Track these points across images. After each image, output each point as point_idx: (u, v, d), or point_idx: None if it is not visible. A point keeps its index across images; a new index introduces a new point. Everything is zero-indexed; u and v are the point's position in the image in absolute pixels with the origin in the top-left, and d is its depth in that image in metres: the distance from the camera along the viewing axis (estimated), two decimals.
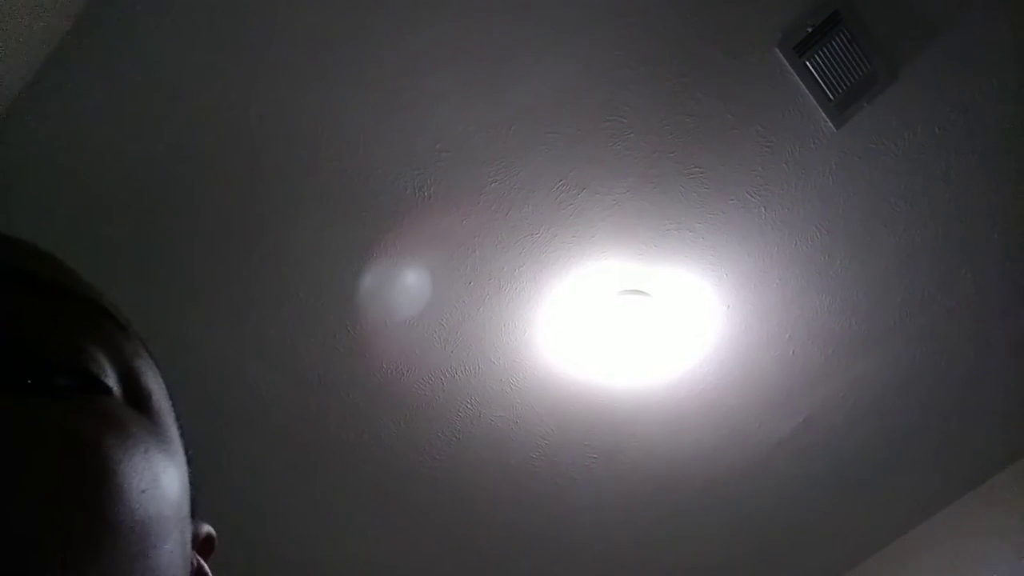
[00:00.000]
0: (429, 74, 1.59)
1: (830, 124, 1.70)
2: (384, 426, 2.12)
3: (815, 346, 2.09)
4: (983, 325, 2.10)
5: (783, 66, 1.62)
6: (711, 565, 2.64)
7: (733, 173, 1.76)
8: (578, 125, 1.67)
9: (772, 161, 1.75)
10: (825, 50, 1.60)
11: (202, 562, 0.37)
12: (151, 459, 0.31)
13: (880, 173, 1.79)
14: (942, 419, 2.31)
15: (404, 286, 1.88)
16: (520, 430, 2.17)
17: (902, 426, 2.31)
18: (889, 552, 2.65)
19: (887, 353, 2.13)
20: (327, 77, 1.57)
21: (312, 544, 2.40)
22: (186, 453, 0.36)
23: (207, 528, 0.38)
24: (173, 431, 0.35)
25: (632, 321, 1.92)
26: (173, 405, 0.36)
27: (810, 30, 1.57)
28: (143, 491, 0.29)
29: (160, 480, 0.31)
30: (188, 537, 0.33)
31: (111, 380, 0.32)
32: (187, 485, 0.34)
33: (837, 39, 1.59)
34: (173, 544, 0.30)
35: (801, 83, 1.64)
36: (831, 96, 1.66)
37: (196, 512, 0.36)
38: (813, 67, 1.62)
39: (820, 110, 1.68)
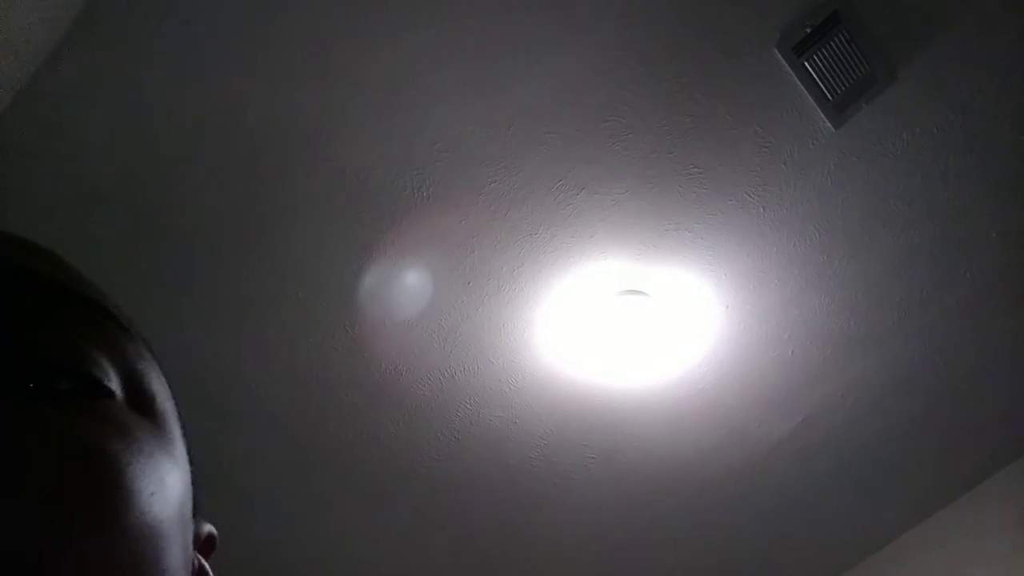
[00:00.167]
0: (428, 74, 1.59)
1: (829, 124, 1.71)
2: (383, 426, 2.12)
3: (814, 346, 2.09)
4: (982, 325, 2.10)
5: (782, 66, 1.62)
6: (710, 565, 2.64)
7: (732, 173, 1.76)
8: (577, 125, 1.67)
9: (771, 161, 1.75)
10: (824, 50, 1.60)
11: (203, 562, 0.37)
12: (156, 462, 0.31)
13: (879, 173, 1.79)
14: (941, 419, 2.31)
15: (403, 286, 1.88)
16: (519, 430, 2.17)
17: (901, 426, 2.31)
18: (889, 552, 2.65)
19: (886, 353, 2.13)
20: (326, 77, 1.57)
21: (311, 544, 2.40)
22: (188, 453, 0.36)
23: (208, 527, 0.38)
24: (176, 433, 0.35)
25: (631, 321, 1.93)
26: (176, 405, 0.36)
27: (809, 30, 1.58)
28: (152, 494, 0.29)
29: (165, 482, 0.31)
30: (190, 538, 0.34)
31: (113, 383, 0.31)
32: (190, 486, 0.34)
33: (836, 39, 1.59)
34: (178, 547, 0.30)
35: (800, 83, 1.64)
36: (830, 96, 1.66)
37: (197, 511, 0.36)
38: (812, 67, 1.62)
39: (819, 110, 1.68)
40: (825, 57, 1.61)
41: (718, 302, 1.97)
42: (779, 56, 1.61)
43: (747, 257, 1.90)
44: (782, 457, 2.34)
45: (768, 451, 2.32)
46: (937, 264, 1.96)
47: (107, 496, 0.27)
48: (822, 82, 1.64)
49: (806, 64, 1.61)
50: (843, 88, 1.65)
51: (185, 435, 0.36)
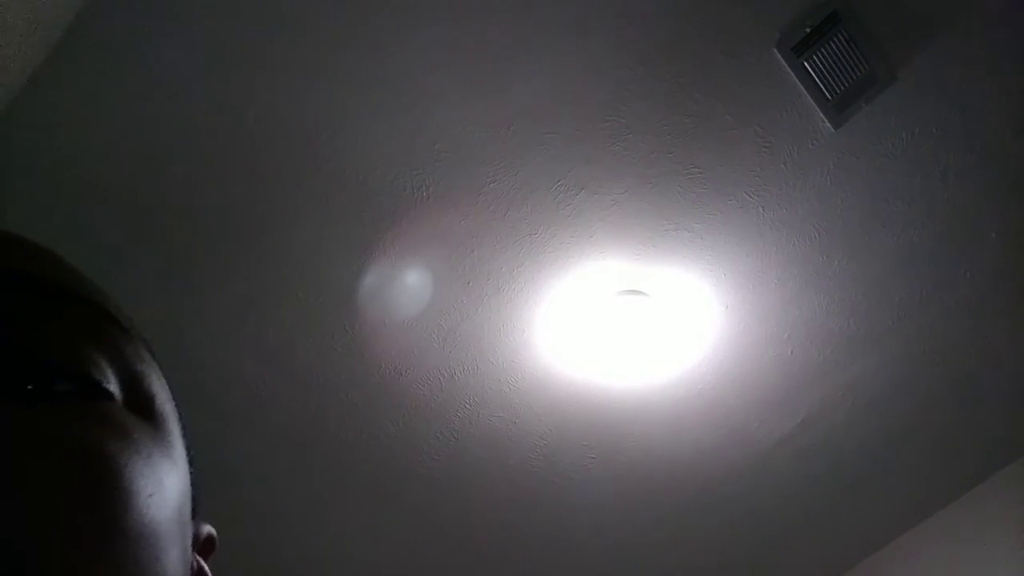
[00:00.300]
0: (428, 74, 1.59)
1: (828, 124, 1.71)
2: (383, 426, 2.12)
3: (813, 346, 2.09)
4: (982, 325, 2.10)
5: (781, 66, 1.62)
6: (710, 565, 2.64)
7: (731, 173, 1.76)
8: (577, 125, 1.67)
9: (770, 161, 1.75)
10: (823, 50, 1.60)
11: (202, 563, 0.37)
12: (154, 463, 0.31)
13: (878, 173, 1.79)
14: (941, 419, 2.31)
15: (403, 286, 1.88)
16: (518, 430, 2.17)
17: (901, 425, 2.31)
18: (888, 551, 2.65)
19: (885, 353, 2.13)
20: (326, 77, 1.57)
21: (311, 544, 2.40)
22: (188, 454, 0.36)
23: (208, 529, 0.38)
24: (175, 434, 0.35)
25: (631, 321, 1.93)
26: (175, 407, 0.36)
27: (808, 30, 1.58)
28: (150, 495, 0.29)
29: (164, 484, 0.31)
30: (189, 539, 0.34)
31: (112, 385, 0.31)
32: (189, 487, 0.34)
33: (835, 39, 1.59)
34: (177, 548, 0.30)
35: (799, 83, 1.64)
36: (829, 96, 1.66)
37: (197, 512, 0.36)
38: (811, 67, 1.62)
39: (818, 110, 1.68)
40: (825, 57, 1.61)
41: (718, 302, 1.97)
42: (779, 56, 1.61)
43: (747, 257, 1.90)
44: (782, 457, 2.34)
45: (768, 451, 2.32)
46: (937, 264, 1.96)
47: (105, 497, 0.27)
48: (822, 82, 1.64)
49: (806, 64, 1.61)
50: (843, 88, 1.65)
51: (185, 436, 0.36)
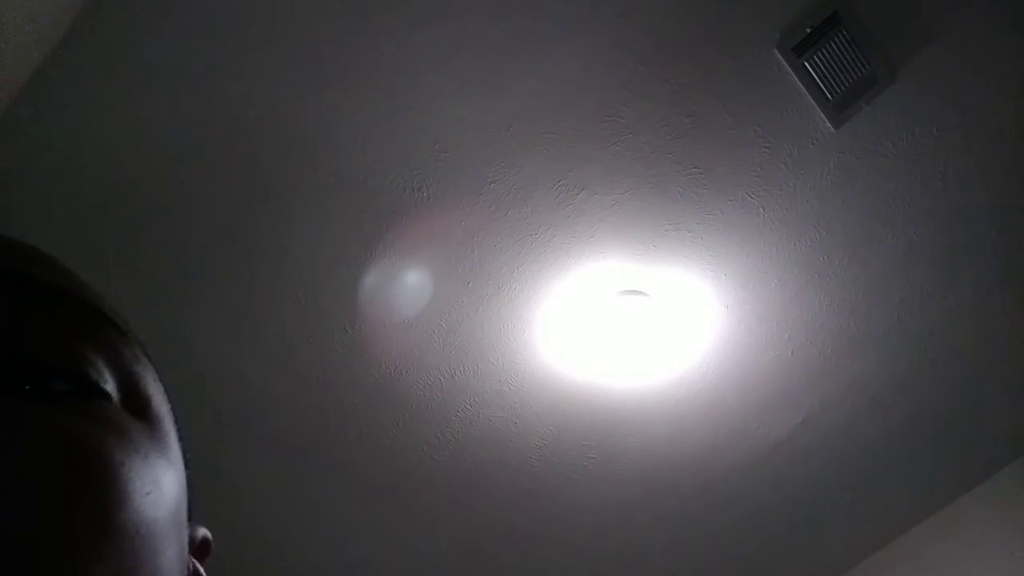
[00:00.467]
0: (428, 74, 1.59)
1: (828, 124, 1.71)
2: (383, 426, 2.12)
3: (814, 346, 2.09)
4: (982, 325, 2.10)
5: (782, 66, 1.62)
6: (710, 565, 2.64)
7: (732, 173, 1.76)
8: (577, 125, 1.67)
9: (771, 161, 1.75)
10: (824, 51, 1.60)
11: (198, 566, 0.37)
12: (151, 463, 0.31)
13: (878, 173, 1.79)
14: (941, 418, 2.31)
15: (403, 286, 1.88)
16: (519, 430, 2.17)
17: (901, 426, 2.31)
18: (888, 551, 2.65)
19: (886, 353, 2.13)
20: (326, 77, 1.57)
21: (311, 544, 2.40)
22: (184, 456, 0.36)
23: (203, 531, 0.39)
24: (172, 436, 0.35)
25: (631, 321, 1.93)
26: (171, 409, 0.37)
27: (809, 31, 1.58)
28: (147, 494, 0.29)
29: (161, 484, 0.31)
30: (186, 540, 0.34)
31: (110, 386, 0.32)
32: (185, 489, 0.35)
33: (836, 40, 1.59)
34: (173, 548, 0.30)
35: (800, 83, 1.64)
36: (830, 96, 1.66)
37: (192, 515, 0.36)
38: (812, 68, 1.62)
39: (819, 110, 1.68)
40: (825, 57, 1.61)
41: (718, 302, 1.97)
42: (779, 56, 1.61)
43: (747, 257, 1.90)
44: (782, 457, 2.34)
45: (768, 451, 2.32)
46: (937, 264, 1.96)
47: (103, 496, 0.27)
48: (822, 82, 1.64)
49: (806, 64, 1.61)
50: (843, 88, 1.65)
51: (180, 439, 0.36)
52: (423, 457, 2.20)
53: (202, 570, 0.37)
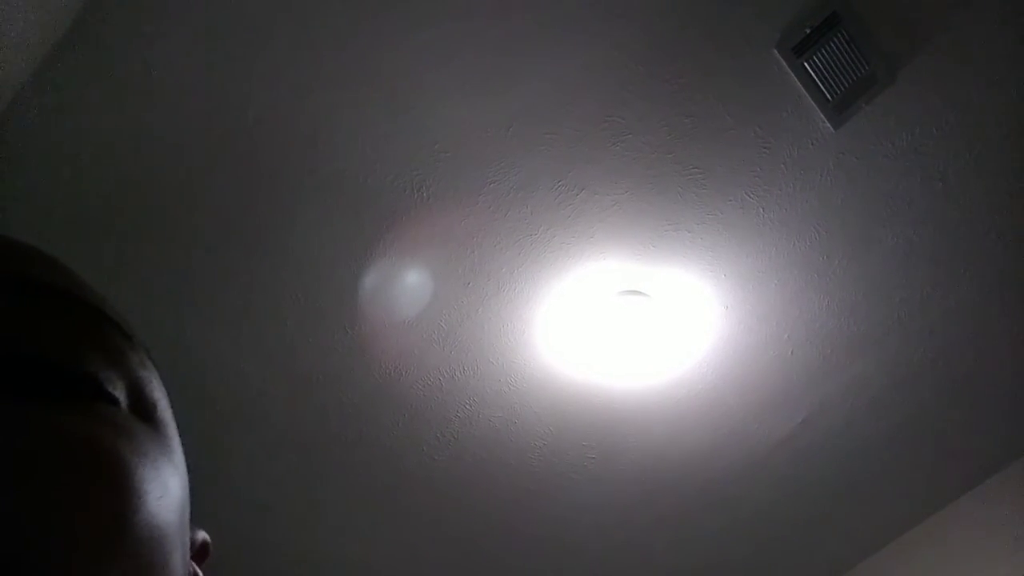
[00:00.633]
0: (428, 74, 1.59)
1: (828, 125, 1.71)
2: (383, 426, 2.12)
3: (813, 346, 2.09)
4: (982, 325, 2.10)
5: (781, 67, 1.62)
6: (710, 565, 2.64)
7: (731, 174, 1.76)
8: (577, 126, 1.67)
9: (770, 162, 1.75)
10: (823, 51, 1.60)
11: (198, 570, 0.37)
12: (159, 467, 0.31)
13: (878, 173, 1.79)
14: (941, 419, 2.31)
15: (403, 286, 1.88)
16: (518, 430, 2.17)
17: (901, 426, 2.31)
18: (889, 552, 2.65)
19: (885, 353, 2.13)
20: (326, 77, 1.57)
21: (311, 544, 2.40)
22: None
23: (203, 535, 0.39)
24: (176, 441, 0.35)
25: (631, 321, 1.93)
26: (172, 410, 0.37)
27: (808, 31, 1.58)
28: (159, 498, 0.29)
29: (169, 487, 0.31)
30: (188, 544, 0.34)
31: (118, 391, 0.32)
32: (187, 494, 0.35)
33: (835, 40, 1.59)
34: (180, 552, 0.31)
35: (799, 84, 1.64)
36: (829, 97, 1.66)
37: (191, 519, 0.37)
38: (811, 68, 1.62)
39: (818, 111, 1.68)
40: (825, 58, 1.61)
41: (718, 302, 1.97)
42: (779, 57, 1.61)
43: (747, 257, 1.90)
44: (782, 457, 2.34)
45: (768, 451, 2.32)
46: (937, 264, 1.96)
47: (120, 499, 0.27)
48: (822, 83, 1.64)
49: (806, 65, 1.62)
50: (843, 88, 1.65)
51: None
52: (423, 457, 2.20)
53: (201, 574, 0.37)
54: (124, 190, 1.68)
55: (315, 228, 1.77)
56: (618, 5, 1.52)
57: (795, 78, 1.64)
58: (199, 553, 0.38)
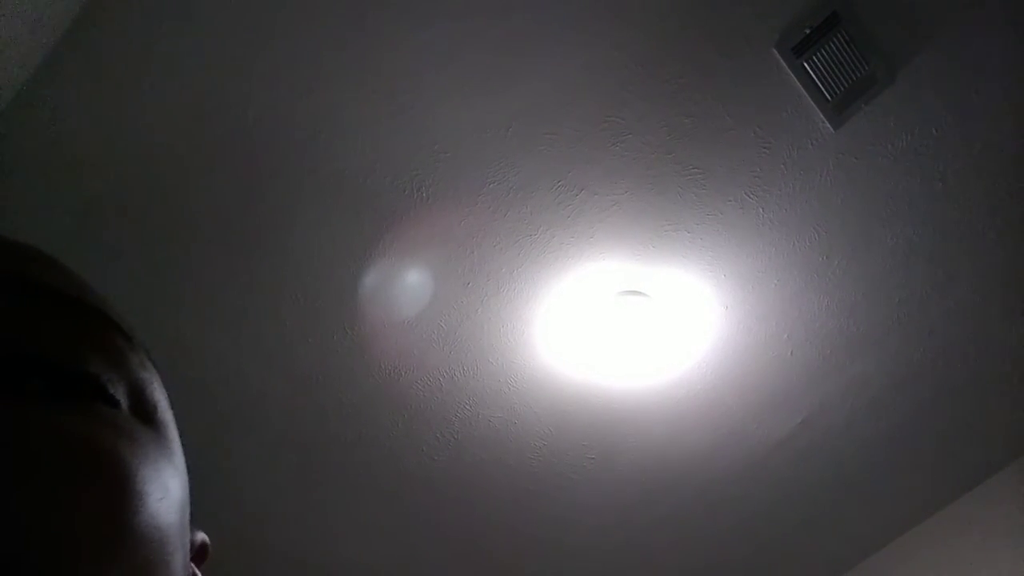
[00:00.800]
0: (428, 74, 1.59)
1: (828, 125, 1.71)
2: (382, 427, 2.12)
3: (813, 346, 2.09)
4: (981, 325, 2.10)
5: (781, 67, 1.62)
6: (710, 565, 2.64)
7: (731, 174, 1.76)
8: (576, 126, 1.67)
9: (770, 162, 1.75)
10: (823, 51, 1.60)
11: (197, 571, 0.37)
12: (161, 469, 0.31)
13: (878, 173, 1.79)
14: (941, 419, 2.31)
15: (402, 287, 1.88)
16: (518, 431, 2.17)
17: (901, 426, 2.31)
18: (888, 552, 2.65)
19: (885, 353, 2.13)
20: (326, 77, 1.57)
21: (311, 544, 2.40)
22: None
23: (202, 536, 0.39)
24: (176, 442, 0.35)
25: (630, 322, 1.93)
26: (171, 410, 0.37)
27: (808, 31, 1.58)
28: (161, 499, 0.30)
29: (170, 489, 0.31)
30: (188, 546, 0.34)
31: (119, 392, 0.32)
32: (188, 495, 0.35)
33: (835, 40, 1.59)
34: (181, 553, 0.31)
35: (799, 84, 1.64)
36: (829, 97, 1.66)
37: (191, 520, 0.37)
38: (811, 68, 1.62)
39: (818, 111, 1.68)
40: (824, 58, 1.61)
41: (718, 302, 1.97)
42: (778, 57, 1.61)
43: (746, 258, 1.90)
44: (782, 457, 2.34)
45: (768, 451, 2.32)
46: (937, 265, 1.96)
47: (122, 500, 0.28)
48: (821, 83, 1.64)
49: (805, 65, 1.62)
50: (842, 89, 1.65)
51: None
52: (423, 457, 2.20)
53: (199, 574, 0.37)
54: (123, 190, 1.68)
55: (315, 228, 1.77)
56: (618, 5, 1.52)
57: (795, 78, 1.64)
58: (198, 554, 0.38)
